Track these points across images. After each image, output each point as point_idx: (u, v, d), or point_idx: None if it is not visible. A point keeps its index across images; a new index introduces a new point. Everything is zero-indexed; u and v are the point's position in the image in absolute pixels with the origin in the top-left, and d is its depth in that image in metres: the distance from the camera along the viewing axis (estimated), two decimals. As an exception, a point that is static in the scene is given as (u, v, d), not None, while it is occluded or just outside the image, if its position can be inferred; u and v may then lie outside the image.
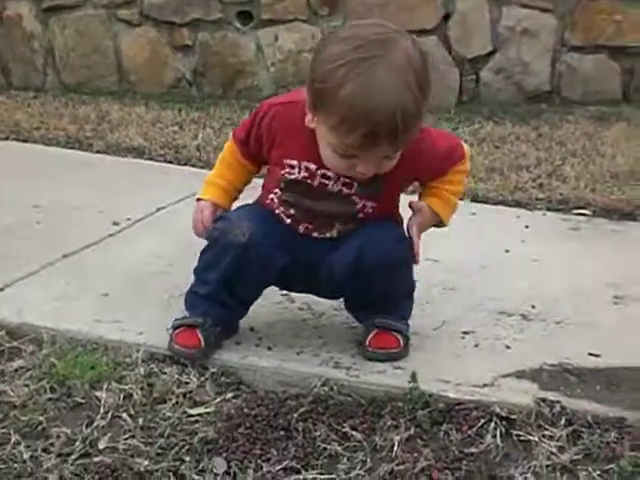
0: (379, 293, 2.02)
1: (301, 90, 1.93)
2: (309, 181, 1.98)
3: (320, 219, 2.03)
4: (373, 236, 1.96)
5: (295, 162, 1.98)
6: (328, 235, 2.04)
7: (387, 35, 1.78)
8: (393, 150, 1.82)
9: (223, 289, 2.04)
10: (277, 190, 2.03)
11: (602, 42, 4.88)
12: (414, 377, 1.89)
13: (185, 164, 3.84)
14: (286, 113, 1.97)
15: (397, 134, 1.75)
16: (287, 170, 1.99)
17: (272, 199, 2.05)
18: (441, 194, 2.07)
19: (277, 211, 2.05)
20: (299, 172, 1.98)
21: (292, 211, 2.03)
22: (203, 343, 2.02)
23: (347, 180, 1.95)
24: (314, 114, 1.85)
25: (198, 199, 2.14)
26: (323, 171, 1.95)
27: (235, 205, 2.16)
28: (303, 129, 1.91)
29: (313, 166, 1.96)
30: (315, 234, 2.04)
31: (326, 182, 1.97)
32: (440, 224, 2.11)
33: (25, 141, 4.22)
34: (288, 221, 2.04)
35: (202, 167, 3.71)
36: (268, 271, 2.04)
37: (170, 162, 3.89)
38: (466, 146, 2.10)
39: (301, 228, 2.04)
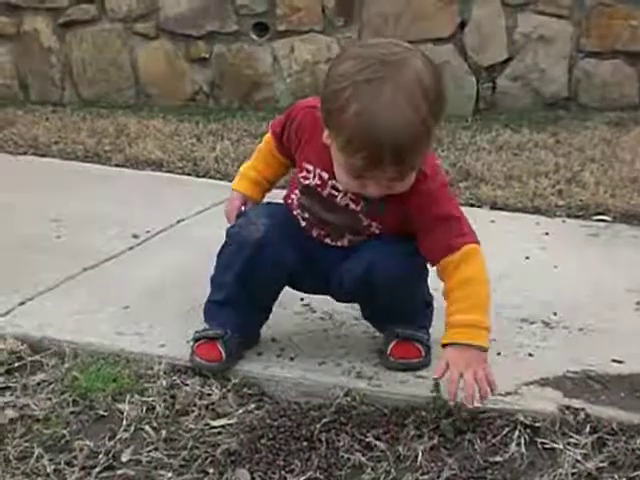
0: (391, 305, 2.01)
1: None
2: (320, 190, 1.98)
3: (331, 227, 2.03)
4: (383, 250, 1.95)
5: (311, 167, 1.99)
6: (339, 244, 2.04)
7: (396, 55, 1.74)
8: (400, 172, 1.78)
9: (239, 291, 2.04)
10: (297, 192, 2.06)
11: (618, 47, 4.87)
12: (437, 386, 1.87)
13: (204, 176, 3.85)
14: (312, 117, 1.96)
15: (402, 157, 1.72)
16: (304, 174, 2.01)
17: (292, 200, 2.08)
18: (459, 321, 1.87)
19: (295, 212, 2.07)
20: (313, 178, 1.99)
21: (307, 215, 2.05)
22: (224, 355, 2.02)
23: (354, 196, 1.94)
24: (327, 130, 1.83)
25: (233, 189, 2.21)
26: (334, 182, 1.95)
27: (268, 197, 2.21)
28: (322, 138, 1.90)
29: (326, 175, 1.96)
30: (327, 240, 2.05)
31: (335, 194, 1.97)
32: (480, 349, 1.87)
33: (44, 155, 4.23)
34: (303, 224, 2.06)
35: (220, 179, 3.72)
36: (280, 270, 2.04)
37: (189, 174, 3.90)
38: (476, 244, 1.93)
39: (314, 233, 2.05)
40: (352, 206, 1.97)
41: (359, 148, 1.72)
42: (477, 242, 1.92)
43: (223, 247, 2.07)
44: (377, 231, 1.98)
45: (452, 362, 1.82)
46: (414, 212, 1.91)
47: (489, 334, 1.87)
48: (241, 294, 2.05)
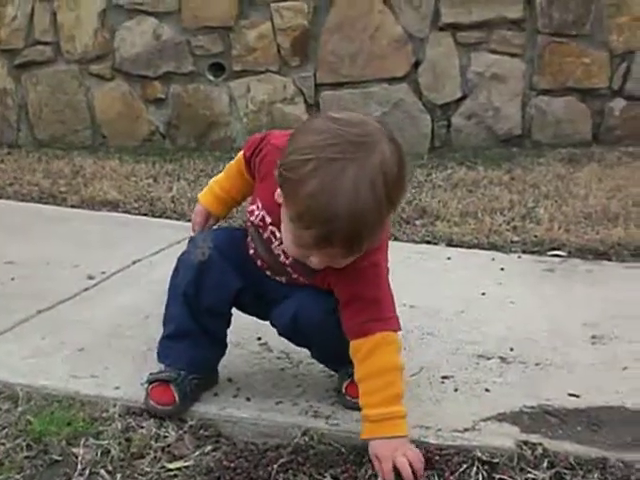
0: (328, 348, 2.01)
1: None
2: (260, 230, 1.98)
3: (270, 265, 2.03)
4: (307, 304, 1.94)
5: (260, 205, 1.97)
6: (278, 279, 2.05)
7: (365, 138, 1.65)
8: (347, 254, 1.72)
9: (188, 320, 2.04)
10: (248, 222, 2.05)
11: (571, 85, 4.96)
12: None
13: (160, 216, 3.84)
14: (273, 158, 1.88)
15: (353, 242, 1.67)
16: (252, 208, 2.00)
17: (248, 226, 2.07)
18: (377, 415, 1.82)
19: (248, 239, 2.06)
20: (257, 217, 1.98)
21: (253, 245, 2.05)
22: (177, 399, 2.00)
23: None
24: (281, 194, 1.76)
25: (198, 199, 2.21)
26: (273, 228, 1.94)
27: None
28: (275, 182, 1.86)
29: (268, 219, 1.95)
30: (268, 273, 2.05)
31: (272, 240, 1.96)
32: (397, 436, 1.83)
33: (-1, 197, 4.20)
34: (251, 252, 2.06)
35: (177, 219, 3.71)
36: (223, 292, 2.04)
37: (145, 215, 3.88)
38: (396, 333, 1.88)
39: (259, 262, 2.05)
40: (282, 258, 1.97)
41: (310, 225, 1.65)
42: (396, 329, 1.86)
43: (172, 274, 2.08)
44: (306, 283, 1.98)
45: (381, 456, 1.78)
46: (338, 283, 1.88)
47: (406, 419, 1.82)
48: (190, 323, 2.04)
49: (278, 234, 1.92)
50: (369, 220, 1.64)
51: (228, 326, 2.12)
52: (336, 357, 2.01)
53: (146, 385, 2.05)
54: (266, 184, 1.93)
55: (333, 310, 1.90)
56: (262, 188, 1.97)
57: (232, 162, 2.17)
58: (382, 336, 1.84)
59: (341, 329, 1.88)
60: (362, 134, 1.66)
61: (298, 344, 2.10)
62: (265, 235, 1.97)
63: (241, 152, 2.13)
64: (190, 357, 2.05)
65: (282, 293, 2.01)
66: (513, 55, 4.98)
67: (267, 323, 2.14)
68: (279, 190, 1.75)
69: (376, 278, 1.88)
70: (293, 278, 2.00)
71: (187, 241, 2.10)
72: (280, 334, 2.07)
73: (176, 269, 2.07)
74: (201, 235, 2.10)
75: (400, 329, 1.88)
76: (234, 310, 2.10)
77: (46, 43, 5.40)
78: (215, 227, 2.21)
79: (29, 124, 5.55)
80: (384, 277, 1.91)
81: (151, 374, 2.06)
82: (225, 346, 2.14)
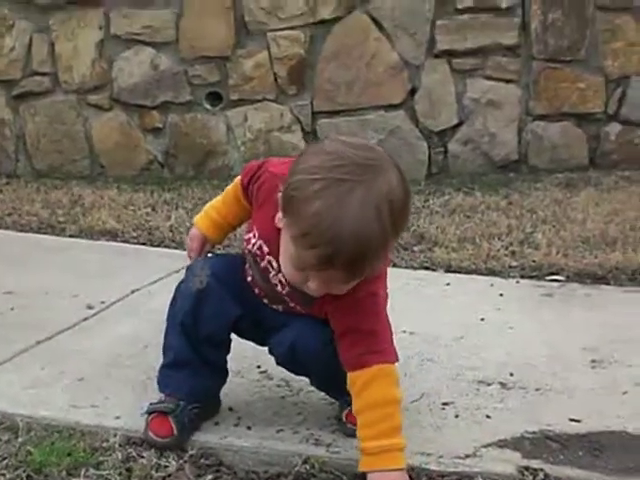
0: (327, 378, 2.01)
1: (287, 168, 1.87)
2: (258, 259, 1.97)
3: (268, 294, 2.03)
4: (304, 333, 1.94)
5: (257, 234, 1.97)
6: (275, 307, 2.04)
7: (373, 162, 1.67)
8: (348, 278, 1.72)
9: (186, 349, 2.03)
10: (246, 249, 2.04)
11: (567, 109, 4.98)
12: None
13: (158, 245, 3.85)
14: (273, 187, 1.89)
15: (355, 265, 1.67)
16: (249, 236, 1.99)
17: (246, 253, 2.06)
18: (376, 448, 1.80)
19: (246, 266, 2.06)
20: (254, 246, 1.97)
21: (251, 272, 2.04)
22: (176, 431, 1.99)
23: (283, 280, 1.92)
24: (283, 216, 1.76)
25: (195, 223, 2.20)
26: (270, 258, 1.93)
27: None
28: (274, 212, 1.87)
29: (266, 249, 1.94)
30: (265, 301, 2.05)
31: (269, 269, 1.95)
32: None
33: (-3, 228, 4.21)
34: (249, 279, 2.05)
35: (175, 248, 3.72)
36: (222, 321, 2.03)
37: (143, 244, 3.89)
38: (393, 366, 1.86)
39: (256, 290, 2.05)
40: (279, 288, 1.96)
41: (314, 245, 1.65)
42: (393, 361, 1.85)
43: (171, 302, 2.08)
44: (303, 312, 1.97)
45: None
46: (335, 313, 1.87)
47: (404, 452, 1.81)
48: (189, 353, 2.03)
49: (275, 264, 1.91)
50: (373, 244, 1.64)
51: (228, 353, 2.11)
52: (335, 386, 2.01)
53: (146, 416, 2.04)
54: (264, 212, 1.93)
55: (330, 340, 1.89)
56: (259, 216, 1.97)
57: (229, 188, 2.16)
58: (379, 368, 1.82)
59: (339, 359, 1.87)
60: (370, 158, 1.67)
61: (296, 373, 2.10)
62: (262, 264, 1.97)
63: (238, 178, 2.11)
64: (190, 386, 2.04)
65: (280, 321, 2.01)
66: (508, 81, 5.00)
67: (266, 350, 2.14)
68: (280, 214, 1.76)
69: (374, 307, 1.87)
70: (290, 307, 2.00)
71: (185, 269, 2.11)
72: (278, 363, 2.07)
73: (174, 298, 2.07)
74: (198, 263, 2.09)
75: (397, 360, 1.87)
76: (233, 336, 2.10)
77: (44, 74, 5.42)
78: (211, 254, 2.21)
79: (27, 154, 5.56)
80: (382, 307, 1.90)
81: (151, 404, 2.06)
82: (226, 373, 2.13)
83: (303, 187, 1.66)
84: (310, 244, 1.65)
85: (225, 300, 2.01)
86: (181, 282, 2.07)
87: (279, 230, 1.79)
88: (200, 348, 2.04)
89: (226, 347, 2.10)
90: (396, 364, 1.86)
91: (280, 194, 1.74)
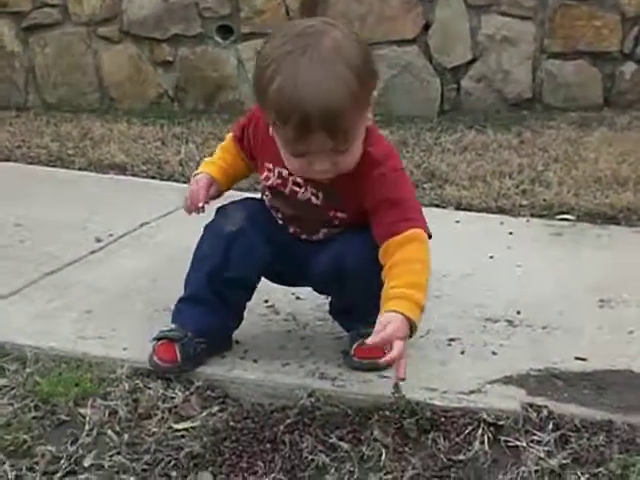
0: (360, 297, 2.01)
1: None
2: (282, 188, 2.00)
3: (304, 223, 2.05)
4: (350, 242, 1.97)
5: (271, 166, 2.01)
6: (315, 238, 2.06)
7: (314, 27, 1.79)
8: (332, 140, 1.78)
9: (206, 288, 2.04)
10: (267, 193, 2.07)
11: (582, 48, 4.90)
12: (397, 387, 1.87)
13: (168, 179, 3.84)
14: (265, 121, 1.96)
15: (330, 120, 1.73)
16: (266, 174, 2.03)
17: (265, 201, 2.10)
18: (396, 293, 1.83)
19: (272, 211, 2.08)
20: (274, 177, 2.01)
21: (279, 215, 2.07)
22: (180, 358, 2.01)
23: (314, 190, 1.97)
24: (264, 113, 1.86)
25: (195, 174, 2.16)
26: (294, 178, 1.97)
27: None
28: None
29: (285, 172, 1.98)
30: (304, 236, 2.07)
31: (296, 189, 1.99)
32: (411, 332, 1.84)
33: (7, 160, 4.20)
34: (280, 222, 2.08)
35: (185, 182, 3.69)
36: (254, 262, 2.05)
37: (153, 178, 3.88)
38: (424, 231, 1.92)
39: (291, 229, 2.08)
40: (313, 200, 1.98)
41: (287, 118, 1.74)
42: (424, 228, 1.92)
43: (199, 242, 2.09)
44: (343, 219, 2.00)
45: (397, 331, 1.77)
46: (365, 196, 1.93)
47: (421, 311, 1.84)
48: (208, 292, 2.04)
49: (298, 179, 1.96)
50: (335, 93, 1.72)
51: (249, 298, 2.13)
52: (361, 306, 2.01)
53: (153, 342, 2.06)
54: (267, 146, 1.97)
55: (374, 246, 1.92)
56: (266, 150, 2.00)
57: (223, 144, 2.19)
58: (411, 233, 1.89)
59: (379, 276, 1.88)
60: (308, 25, 1.81)
61: (330, 291, 2.10)
62: (288, 190, 1.99)
63: (229, 136, 2.17)
64: (202, 322, 2.05)
65: (319, 249, 2.02)
66: (524, 18, 4.92)
67: (274, 286, 2.15)
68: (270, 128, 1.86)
69: (400, 179, 1.95)
70: (333, 225, 2.01)
71: (215, 210, 2.09)
72: (315, 284, 2.09)
73: (203, 237, 2.08)
74: (230, 205, 2.10)
75: (429, 234, 1.93)
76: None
77: (53, 5, 5.36)
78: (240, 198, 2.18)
79: (37, 87, 5.53)
80: (407, 181, 2.00)
81: (161, 331, 2.07)
82: (242, 317, 2.14)
83: (261, 75, 1.78)
84: (284, 120, 1.75)
85: (258, 240, 2.03)
86: (212, 221, 2.07)
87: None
88: (222, 289, 2.04)
89: (250, 291, 2.12)
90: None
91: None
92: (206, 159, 2.21)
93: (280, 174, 1.99)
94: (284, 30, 1.83)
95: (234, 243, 2.01)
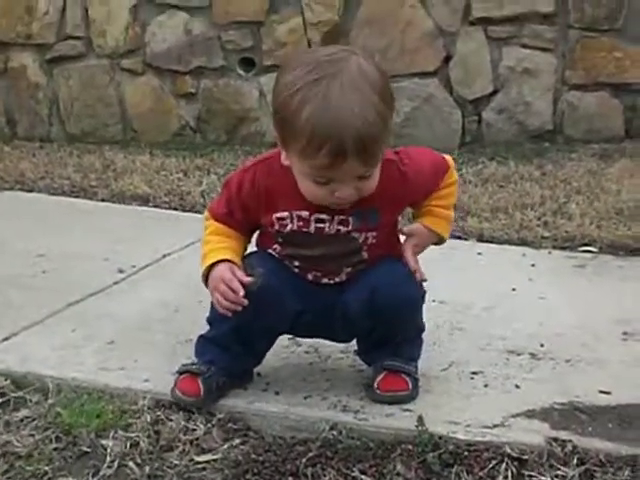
0: (391, 332, 2.00)
1: (268, 152, 2.00)
2: (305, 229, 1.95)
3: (326, 265, 2.01)
4: (385, 275, 1.95)
5: (286, 214, 1.94)
6: (337, 279, 2.03)
7: (337, 55, 1.79)
8: (364, 166, 1.78)
9: (234, 335, 2.02)
10: (276, 246, 2.02)
11: (603, 79, 4.90)
12: (421, 420, 1.86)
13: (190, 211, 3.85)
14: (264, 170, 1.95)
15: (364, 144, 1.73)
16: (280, 224, 1.96)
17: (273, 254, 2.04)
18: (433, 211, 2.04)
19: (284, 261, 2.03)
20: (292, 222, 1.95)
21: (296, 263, 2.02)
22: (202, 392, 2.00)
23: (342, 217, 1.92)
24: (285, 148, 1.84)
25: (208, 270, 1.97)
26: (316, 215, 1.92)
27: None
28: (286, 180, 1.88)
29: (305, 213, 1.93)
30: (325, 280, 2.03)
31: (322, 226, 1.94)
32: (439, 241, 2.08)
33: (30, 191, 4.23)
34: (296, 270, 2.03)
35: (207, 213, 3.71)
36: (282, 316, 2.02)
37: (175, 209, 3.90)
38: (448, 157, 2.08)
39: (309, 276, 2.03)
40: (342, 229, 1.94)
41: (321, 144, 1.72)
42: (447, 160, 2.07)
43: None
44: (374, 241, 1.97)
45: (421, 239, 2.03)
46: (412, 192, 2.00)
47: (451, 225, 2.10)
48: (232, 340, 2.03)
49: (323, 216, 1.93)
50: (368, 119, 1.73)
51: (272, 344, 2.12)
52: (394, 338, 2.02)
53: (176, 375, 2.05)
54: (278, 192, 1.94)
55: (410, 274, 1.98)
56: (277, 199, 1.95)
57: (207, 237, 2.03)
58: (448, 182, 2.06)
59: (418, 295, 2.00)
60: (331, 53, 1.81)
61: (363, 327, 2.03)
62: (312, 229, 1.94)
63: (209, 224, 2.03)
64: (224, 361, 2.04)
65: (345, 288, 2.01)
66: (545, 50, 4.93)
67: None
68: (283, 155, 1.86)
69: (414, 154, 2.02)
70: (358, 261, 2.00)
71: None
72: (346, 326, 2.04)
73: None
74: (246, 261, 2.00)
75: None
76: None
77: (78, 38, 5.43)
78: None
79: (60, 118, 5.58)
80: (416, 151, 2.06)
81: (183, 365, 2.07)
82: (263, 357, 2.12)
83: (287, 103, 1.76)
84: (317, 146, 1.73)
85: (285, 293, 1.98)
86: None
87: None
88: (249, 341, 2.03)
89: (275, 339, 2.11)
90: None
91: (274, 128, 1.85)
92: (203, 252, 2.01)
93: (300, 217, 1.94)
94: (303, 58, 1.83)
95: (261, 299, 1.92)
